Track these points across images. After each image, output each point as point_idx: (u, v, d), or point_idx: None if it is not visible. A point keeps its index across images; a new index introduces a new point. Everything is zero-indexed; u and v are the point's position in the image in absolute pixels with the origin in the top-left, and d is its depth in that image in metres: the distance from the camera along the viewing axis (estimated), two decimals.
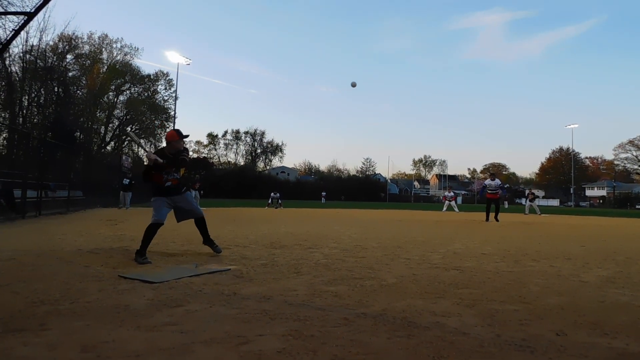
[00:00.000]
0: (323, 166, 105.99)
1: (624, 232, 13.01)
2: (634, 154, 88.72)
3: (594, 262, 6.13)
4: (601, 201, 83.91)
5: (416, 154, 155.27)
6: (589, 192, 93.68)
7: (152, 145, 53.68)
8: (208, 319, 2.94)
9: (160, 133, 53.45)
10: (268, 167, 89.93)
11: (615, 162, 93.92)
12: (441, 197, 30.29)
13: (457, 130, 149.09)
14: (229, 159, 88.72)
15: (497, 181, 17.28)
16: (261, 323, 2.86)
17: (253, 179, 60.74)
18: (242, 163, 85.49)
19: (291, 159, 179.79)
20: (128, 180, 20.36)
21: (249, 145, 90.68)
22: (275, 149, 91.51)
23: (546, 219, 21.44)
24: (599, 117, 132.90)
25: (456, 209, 28.66)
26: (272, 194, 30.28)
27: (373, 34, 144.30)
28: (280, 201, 29.57)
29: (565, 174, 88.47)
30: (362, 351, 2.38)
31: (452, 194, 31.02)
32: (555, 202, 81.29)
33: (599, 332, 2.85)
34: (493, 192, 16.98)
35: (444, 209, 28.84)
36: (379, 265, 5.41)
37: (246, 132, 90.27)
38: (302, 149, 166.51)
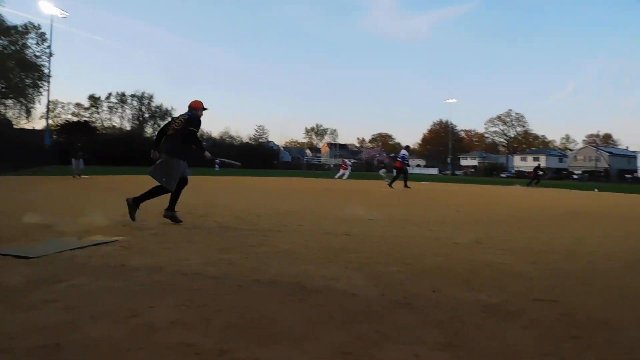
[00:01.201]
0: (215, 132, 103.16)
1: (491, 198, 14.54)
2: (501, 128, 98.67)
3: (466, 225, 6.81)
4: (473, 170, 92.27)
5: (308, 122, 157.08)
6: (463, 162, 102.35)
7: (23, 107, 48.07)
8: (94, 293, 2.80)
9: (32, 93, 47.92)
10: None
11: (486, 135, 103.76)
12: (341, 165, 31.39)
13: (347, 101, 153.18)
14: (113, 124, 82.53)
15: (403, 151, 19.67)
16: (152, 294, 2.79)
17: (141, 145, 57.22)
18: (128, 128, 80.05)
19: None
20: None
21: (136, 109, 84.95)
22: (164, 114, 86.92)
23: (420, 185, 23.12)
24: (474, 93, 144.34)
25: (345, 177, 29.63)
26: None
27: None
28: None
29: (443, 145, 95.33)
30: (256, 317, 2.44)
31: (350, 162, 32.27)
32: (434, 171, 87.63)
33: (468, 288, 3.21)
34: (402, 161, 18.93)
35: (338, 176, 29.68)
36: (273, 232, 5.50)
37: (132, 96, 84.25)
38: None
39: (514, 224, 7.25)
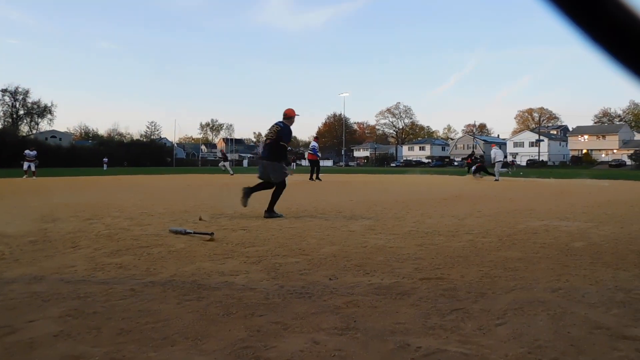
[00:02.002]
0: (102, 130, 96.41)
1: (381, 186, 15.29)
2: (390, 120, 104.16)
3: (360, 213, 7.10)
4: (366, 160, 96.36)
5: (203, 118, 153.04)
6: (356, 153, 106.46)
7: None
8: None
9: None
10: (34, 131, 77.32)
11: (377, 127, 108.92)
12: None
13: (243, 95, 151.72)
14: None
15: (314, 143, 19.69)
16: (32, 307, 2.55)
17: (15, 145, 51.04)
18: None
19: (63, 122, 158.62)
20: None
21: (9, 105, 76.18)
22: (43, 111, 79.03)
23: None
24: (366, 87, 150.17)
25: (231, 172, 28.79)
26: (26, 151, 22.57)
27: None
28: (35, 164, 22.33)
29: (338, 137, 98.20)
30: (152, 320, 2.34)
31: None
32: (329, 163, 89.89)
33: (362, 272, 3.36)
34: (314, 153, 18.95)
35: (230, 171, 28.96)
36: (166, 231, 5.29)
37: (4, 90, 75.10)
38: (78, 112, 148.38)
39: (403, 209, 7.70)
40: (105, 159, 48.00)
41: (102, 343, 2.05)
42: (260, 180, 6.93)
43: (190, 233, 4.95)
